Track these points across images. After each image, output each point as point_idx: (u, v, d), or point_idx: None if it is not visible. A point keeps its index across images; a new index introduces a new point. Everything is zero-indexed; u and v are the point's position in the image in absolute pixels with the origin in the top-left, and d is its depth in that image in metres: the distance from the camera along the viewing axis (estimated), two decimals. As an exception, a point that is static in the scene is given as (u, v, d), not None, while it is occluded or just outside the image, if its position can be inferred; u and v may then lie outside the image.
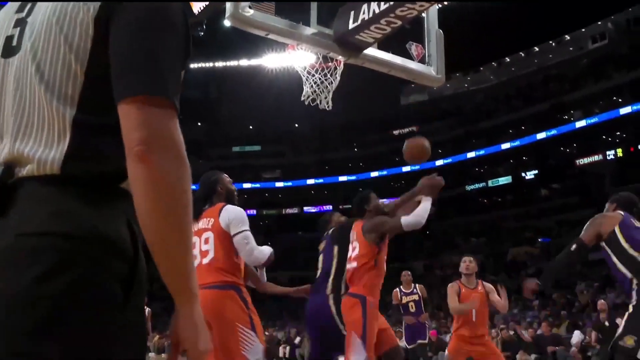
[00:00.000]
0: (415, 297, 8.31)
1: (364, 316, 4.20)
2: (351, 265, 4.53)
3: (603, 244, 3.82)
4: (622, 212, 3.89)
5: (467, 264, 6.16)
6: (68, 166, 1.05)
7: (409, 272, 8.77)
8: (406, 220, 4.28)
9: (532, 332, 12.88)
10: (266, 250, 3.63)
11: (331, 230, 5.14)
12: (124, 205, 1.07)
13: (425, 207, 4.35)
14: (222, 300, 3.38)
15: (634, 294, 3.60)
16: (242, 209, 3.72)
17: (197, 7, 18.21)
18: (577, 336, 11.74)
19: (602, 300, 10.58)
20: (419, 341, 8.29)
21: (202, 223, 3.64)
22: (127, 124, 1.02)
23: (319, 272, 4.92)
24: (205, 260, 3.51)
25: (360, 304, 4.25)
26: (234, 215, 3.61)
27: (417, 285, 8.54)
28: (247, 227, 3.60)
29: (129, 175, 1.03)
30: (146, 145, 1.00)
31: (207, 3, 18.17)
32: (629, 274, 3.66)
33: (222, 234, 3.55)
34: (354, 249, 4.56)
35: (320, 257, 4.99)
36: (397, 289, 8.53)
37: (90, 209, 1.03)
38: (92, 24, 1.08)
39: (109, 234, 1.03)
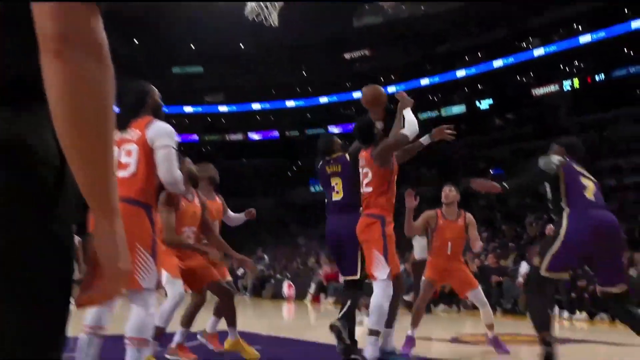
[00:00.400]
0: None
1: (383, 234, 4.69)
2: (366, 190, 4.94)
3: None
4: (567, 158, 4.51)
5: (447, 192, 6.18)
6: None
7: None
8: (405, 131, 4.86)
9: (478, 262, 13.34)
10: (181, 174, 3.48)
11: (340, 155, 5.39)
12: (48, 111, 0.96)
13: (411, 116, 4.95)
14: (127, 217, 3.24)
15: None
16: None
17: None
18: (524, 267, 12.23)
19: (551, 225, 10.94)
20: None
21: (126, 134, 3.50)
22: (41, 16, 0.93)
23: (336, 194, 5.23)
24: (123, 174, 3.40)
25: (379, 223, 4.72)
26: (163, 130, 3.47)
27: None
28: (174, 145, 3.43)
29: (44, 76, 0.93)
30: (62, 41, 0.92)
31: None
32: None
33: (147, 148, 3.42)
34: (365, 175, 4.97)
35: (337, 181, 5.27)
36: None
37: (9, 115, 0.96)
38: None
39: (32, 142, 0.97)
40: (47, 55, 0.93)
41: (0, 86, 0.97)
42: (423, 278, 6.11)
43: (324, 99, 42.11)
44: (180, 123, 44.76)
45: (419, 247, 10.36)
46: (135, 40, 45.21)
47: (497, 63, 35.08)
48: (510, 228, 21.26)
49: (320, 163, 5.37)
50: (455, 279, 6.11)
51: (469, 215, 6.21)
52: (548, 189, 4.43)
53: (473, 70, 36.35)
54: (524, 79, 36.12)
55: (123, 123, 3.53)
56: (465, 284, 6.08)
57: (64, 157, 0.98)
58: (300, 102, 43.02)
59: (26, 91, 0.99)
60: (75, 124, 0.94)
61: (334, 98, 41.64)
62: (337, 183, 5.26)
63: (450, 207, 6.18)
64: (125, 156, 3.44)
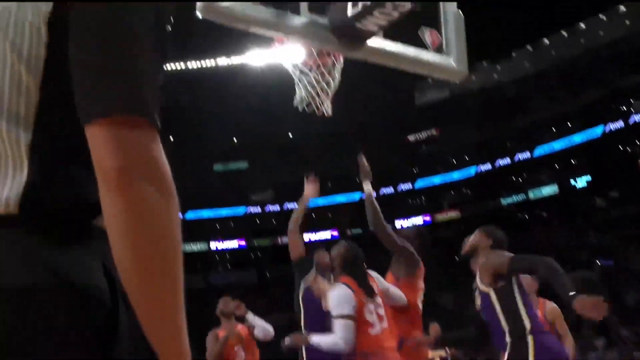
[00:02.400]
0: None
1: None
2: None
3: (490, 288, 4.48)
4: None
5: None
6: (27, 203, 1.04)
7: (437, 325, 8.70)
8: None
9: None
10: None
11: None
12: (99, 247, 1.05)
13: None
14: None
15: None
16: None
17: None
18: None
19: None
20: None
21: None
22: (99, 150, 0.99)
23: None
24: None
25: None
26: None
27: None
28: None
29: (104, 211, 1.00)
30: (124, 175, 0.98)
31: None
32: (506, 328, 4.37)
33: None
34: None
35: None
36: None
37: (56, 254, 1.01)
38: (45, 27, 1.07)
39: (81, 282, 1.01)
40: (108, 189, 0.99)
41: (50, 221, 1.04)
42: None
43: (387, 189, 42.36)
44: (224, 227, 45.67)
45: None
46: (169, 136, 47.25)
47: (592, 132, 34.58)
48: (632, 333, 20.36)
49: None
50: None
51: (550, 305, 6.03)
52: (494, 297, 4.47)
53: (563, 143, 35.95)
54: (627, 149, 35.53)
55: None
56: None
57: (116, 299, 1.04)
58: (361, 195, 43.34)
59: (76, 224, 1.06)
60: (142, 262, 0.98)
61: (400, 187, 41.85)
62: None
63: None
64: None
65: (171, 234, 1.01)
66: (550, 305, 6.04)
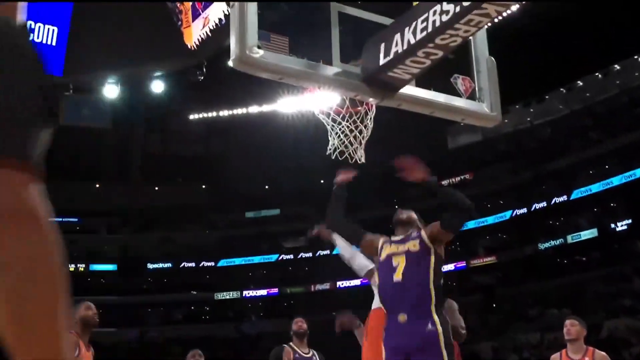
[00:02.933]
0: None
1: None
2: None
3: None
4: None
5: (568, 327, 6.40)
6: None
7: None
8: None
9: None
10: None
11: None
12: None
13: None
14: None
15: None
16: None
17: (194, 38, 18.58)
18: None
19: None
20: None
21: None
22: None
23: None
24: None
25: None
26: None
27: None
28: None
29: None
30: None
31: (204, 38, 18.63)
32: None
33: None
34: None
35: None
36: None
37: None
38: None
39: None
40: None
41: None
42: None
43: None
44: (256, 274, 45.68)
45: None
46: (201, 184, 47.74)
47: (631, 174, 34.02)
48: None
49: None
50: None
51: (599, 354, 6.20)
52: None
53: (601, 186, 35.43)
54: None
55: None
56: None
57: None
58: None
59: None
60: (16, 316, 0.93)
61: (434, 232, 41.51)
62: None
63: (574, 344, 6.31)
64: None
65: (49, 283, 0.96)
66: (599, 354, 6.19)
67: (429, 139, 40.36)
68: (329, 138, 4.99)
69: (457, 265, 40.31)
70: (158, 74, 31.65)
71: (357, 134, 4.95)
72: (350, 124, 4.94)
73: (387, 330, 4.73)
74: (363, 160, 4.95)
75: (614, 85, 38.01)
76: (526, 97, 39.32)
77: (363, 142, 4.98)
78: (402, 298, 4.66)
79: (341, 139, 5.06)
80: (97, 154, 43.56)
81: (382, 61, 4.51)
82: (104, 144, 43.36)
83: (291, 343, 7.15)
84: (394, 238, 5.06)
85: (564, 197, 36.67)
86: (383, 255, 4.92)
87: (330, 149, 4.97)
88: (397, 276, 4.72)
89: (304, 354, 6.93)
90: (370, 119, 4.96)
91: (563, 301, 33.63)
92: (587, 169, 36.75)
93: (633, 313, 29.75)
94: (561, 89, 40.26)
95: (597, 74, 38.56)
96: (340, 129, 4.93)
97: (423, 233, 4.88)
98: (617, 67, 37.83)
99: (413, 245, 4.78)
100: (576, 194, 36.25)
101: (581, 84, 39.55)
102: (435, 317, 4.56)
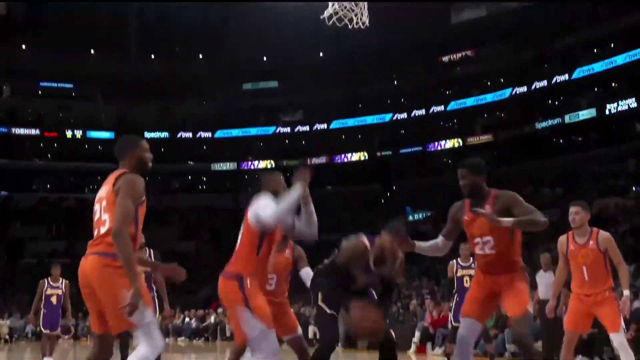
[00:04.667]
0: (472, 271, 8.59)
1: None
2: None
3: None
4: None
5: (572, 216, 6.41)
6: None
7: (468, 246, 9.03)
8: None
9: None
10: None
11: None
12: None
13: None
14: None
15: None
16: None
17: None
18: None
19: None
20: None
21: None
22: None
23: None
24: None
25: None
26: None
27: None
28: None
29: None
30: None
31: None
32: None
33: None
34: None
35: None
36: (454, 261, 9.68)
37: None
38: None
39: None
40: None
41: None
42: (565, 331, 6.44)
43: (419, 112, 41.99)
44: (253, 146, 45.97)
45: (543, 284, 10.28)
46: (199, 55, 47.02)
47: (637, 52, 33.10)
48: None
49: None
50: (600, 315, 6.31)
51: (602, 234, 6.37)
52: None
53: (604, 65, 34.73)
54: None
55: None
56: (607, 324, 6.28)
57: None
58: (392, 116, 43.07)
59: None
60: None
61: (432, 109, 41.44)
62: None
63: (580, 229, 6.39)
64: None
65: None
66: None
67: (432, 13, 39.44)
68: (329, 4, 4.83)
69: (453, 143, 40.54)
70: None
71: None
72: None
73: None
74: (367, 24, 4.81)
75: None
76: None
77: (364, 7, 4.82)
78: None
79: (342, 4, 4.89)
80: (93, 20, 42.47)
81: None
82: (100, 10, 42.25)
83: None
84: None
85: (565, 77, 36.24)
86: None
87: (327, 15, 4.82)
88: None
89: None
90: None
91: (556, 181, 34.05)
92: (592, 48, 36.12)
93: (624, 193, 30.19)
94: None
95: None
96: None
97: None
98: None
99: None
100: (578, 72, 35.75)
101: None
102: None
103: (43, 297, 10.81)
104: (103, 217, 4.25)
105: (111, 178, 4.33)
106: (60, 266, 11.31)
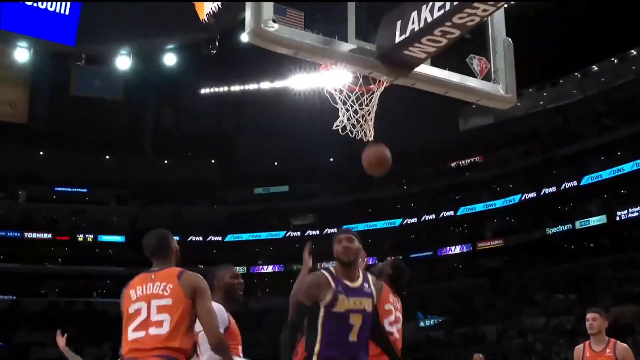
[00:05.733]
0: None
1: None
2: None
3: None
4: None
5: (590, 322, 6.30)
6: None
7: (481, 356, 8.89)
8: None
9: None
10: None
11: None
12: None
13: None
14: None
15: None
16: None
17: (207, 11, 18.23)
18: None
19: None
20: None
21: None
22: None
23: None
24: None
25: None
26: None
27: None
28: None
29: None
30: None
31: (216, 12, 18.30)
32: None
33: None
34: None
35: None
36: None
37: None
38: None
39: None
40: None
41: None
42: None
43: (429, 216, 42.06)
44: (263, 250, 45.87)
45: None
46: (211, 160, 47.80)
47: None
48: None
49: None
50: None
51: (620, 345, 6.21)
52: None
53: (612, 172, 35.05)
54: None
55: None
56: None
57: None
58: (402, 221, 43.11)
59: None
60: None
61: (442, 214, 41.51)
62: None
63: (597, 337, 6.28)
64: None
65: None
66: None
67: (441, 120, 40.20)
68: (339, 114, 4.95)
69: (463, 248, 40.34)
70: (170, 46, 31.65)
71: (368, 110, 4.90)
72: (361, 100, 4.88)
73: None
74: (371, 138, 4.90)
75: (630, 71, 37.62)
76: (540, 81, 38.97)
77: (371, 120, 4.93)
78: None
79: (350, 115, 5.01)
80: (109, 126, 43.57)
81: (398, 39, 4.46)
82: (116, 116, 43.38)
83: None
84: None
85: (574, 183, 36.48)
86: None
87: (338, 125, 4.93)
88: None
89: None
90: (376, 97, 4.90)
91: (569, 286, 33.64)
92: (599, 156, 36.48)
93: (638, 300, 29.73)
94: (576, 74, 39.88)
95: (613, 59, 38.15)
96: (350, 106, 4.88)
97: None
98: (633, 52, 37.40)
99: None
100: (586, 179, 36.03)
101: (596, 68, 39.17)
102: None
103: None
104: (157, 318, 3.77)
105: (165, 274, 3.94)
106: None
